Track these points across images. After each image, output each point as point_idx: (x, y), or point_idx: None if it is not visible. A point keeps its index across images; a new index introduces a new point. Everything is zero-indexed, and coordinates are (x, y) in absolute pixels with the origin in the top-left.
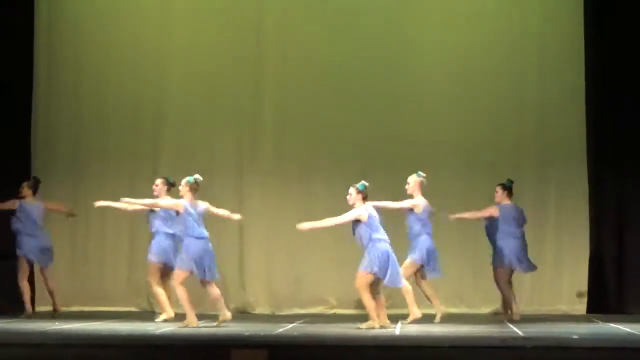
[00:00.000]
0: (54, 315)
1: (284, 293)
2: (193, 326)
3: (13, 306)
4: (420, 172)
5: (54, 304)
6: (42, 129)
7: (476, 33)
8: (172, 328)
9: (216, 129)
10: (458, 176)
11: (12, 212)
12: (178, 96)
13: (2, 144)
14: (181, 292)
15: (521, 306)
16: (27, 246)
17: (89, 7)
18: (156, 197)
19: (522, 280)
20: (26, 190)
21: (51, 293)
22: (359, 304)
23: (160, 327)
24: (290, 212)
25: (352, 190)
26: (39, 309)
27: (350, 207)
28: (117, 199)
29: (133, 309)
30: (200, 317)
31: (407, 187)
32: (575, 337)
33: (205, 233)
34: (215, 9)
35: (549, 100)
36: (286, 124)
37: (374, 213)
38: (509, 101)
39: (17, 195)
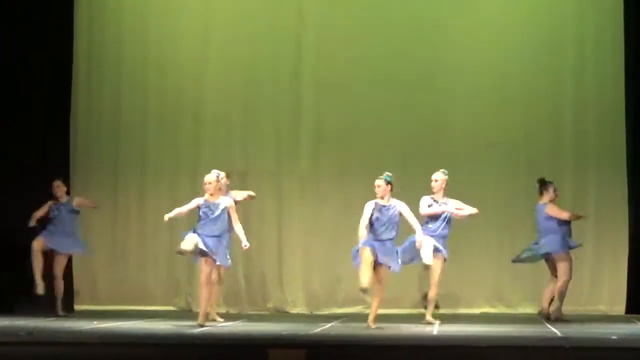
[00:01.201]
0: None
1: (321, 293)
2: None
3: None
4: (444, 170)
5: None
6: (82, 127)
7: (513, 32)
8: (209, 327)
9: (256, 131)
10: (495, 175)
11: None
12: (217, 97)
13: (42, 144)
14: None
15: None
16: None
17: (129, 6)
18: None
19: None
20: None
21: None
22: (397, 303)
23: (196, 326)
24: (329, 212)
25: (380, 182)
26: (77, 307)
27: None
28: (157, 198)
29: (171, 308)
30: (237, 316)
31: (434, 184)
32: (614, 337)
33: None
34: (255, 10)
35: (588, 97)
36: (324, 125)
37: None
38: (546, 99)
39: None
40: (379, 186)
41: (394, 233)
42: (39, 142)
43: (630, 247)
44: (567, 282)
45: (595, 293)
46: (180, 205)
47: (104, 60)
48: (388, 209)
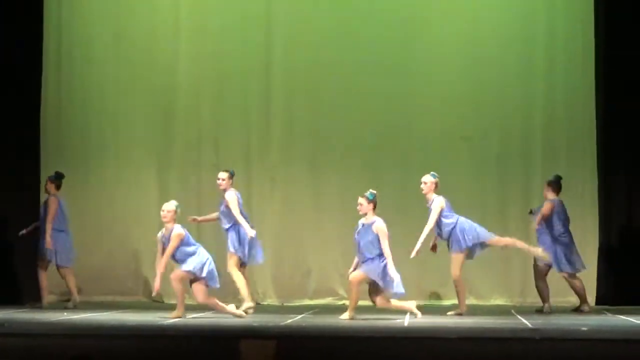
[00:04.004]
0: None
1: (292, 284)
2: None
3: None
4: (434, 173)
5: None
6: (51, 121)
7: (484, 27)
8: (180, 319)
9: (226, 123)
10: (466, 167)
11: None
12: (187, 90)
13: (11, 138)
14: None
15: (529, 298)
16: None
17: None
18: (223, 190)
19: (531, 272)
20: (49, 185)
21: (69, 289)
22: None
23: (167, 318)
24: (299, 203)
25: (362, 200)
26: (47, 299)
27: (361, 216)
28: (127, 190)
29: (141, 299)
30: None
31: (423, 187)
32: (584, 329)
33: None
34: (224, 2)
35: (558, 90)
36: (295, 118)
37: None
38: (517, 92)
39: (46, 191)
40: (360, 205)
41: (375, 251)
42: (8, 137)
43: (600, 239)
44: None
45: (565, 285)
46: (149, 196)
47: (74, 54)
48: (367, 228)
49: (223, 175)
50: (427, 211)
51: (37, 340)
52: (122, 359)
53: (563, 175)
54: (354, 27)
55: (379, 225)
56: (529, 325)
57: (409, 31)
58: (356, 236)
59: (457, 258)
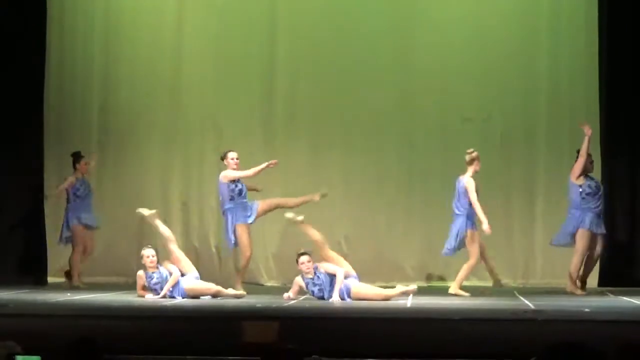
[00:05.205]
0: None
1: (295, 265)
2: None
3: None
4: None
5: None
6: (53, 102)
7: (486, 6)
8: (183, 300)
9: (228, 103)
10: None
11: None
12: (190, 71)
13: (14, 128)
14: None
15: (532, 279)
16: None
17: None
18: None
19: (534, 253)
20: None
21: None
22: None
23: (171, 299)
24: (301, 183)
25: (309, 257)
26: (50, 279)
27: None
28: (129, 172)
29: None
30: None
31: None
32: (587, 310)
33: None
34: None
35: (562, 70)
36: (298, 95)
37: None
38: (520, 72)
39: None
40: (309, 261)
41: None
42: (12, 119)
43: (603, 221)
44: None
45: (567, 266)
46: (151, 178)
47: (77, 33)
48: (318, 278)
49: (236, 154)
50: (429, 191)
51: (40, 321)
52: (124, 340)
53: (568, 159)
54: (358, 13)
55: (330, 268)
56: (532, 306)
57: (410, 18)
58: (316, 292)
59: (476, 235)
